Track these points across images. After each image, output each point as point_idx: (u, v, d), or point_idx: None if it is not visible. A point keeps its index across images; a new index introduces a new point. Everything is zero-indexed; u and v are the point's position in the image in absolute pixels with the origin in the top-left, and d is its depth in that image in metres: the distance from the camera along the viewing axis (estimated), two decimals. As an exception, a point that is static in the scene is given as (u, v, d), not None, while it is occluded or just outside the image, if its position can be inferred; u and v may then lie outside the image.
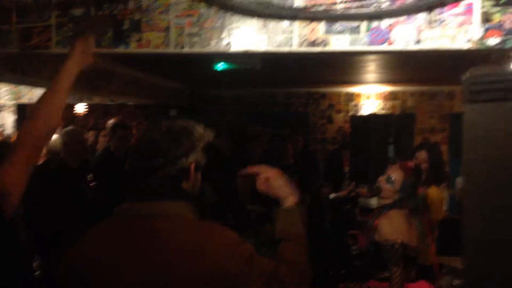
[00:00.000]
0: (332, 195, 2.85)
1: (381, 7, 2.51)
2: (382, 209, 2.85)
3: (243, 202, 4.86)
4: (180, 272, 1.31)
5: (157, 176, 1.46)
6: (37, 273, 3.63)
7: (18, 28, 2.65)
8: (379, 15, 2.52)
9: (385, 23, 2.54)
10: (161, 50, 2.67)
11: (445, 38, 2.53)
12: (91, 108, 8.74)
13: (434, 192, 3.88)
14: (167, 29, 2.66)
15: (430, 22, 2.53)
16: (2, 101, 6.88)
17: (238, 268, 1.34)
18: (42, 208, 3.30)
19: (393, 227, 2.77)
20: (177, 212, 1.42)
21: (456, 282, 2.93)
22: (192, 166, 1.51)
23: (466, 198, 1.26)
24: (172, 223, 1.39)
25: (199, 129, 1.58)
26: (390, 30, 2.54)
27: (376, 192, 2.78)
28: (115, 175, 4.42)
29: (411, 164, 2.99)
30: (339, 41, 2.59)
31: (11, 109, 6.85)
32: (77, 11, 2.65)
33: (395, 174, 2.89)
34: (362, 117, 8.20)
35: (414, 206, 2.87)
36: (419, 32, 2.53)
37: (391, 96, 8.10)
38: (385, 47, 2.56)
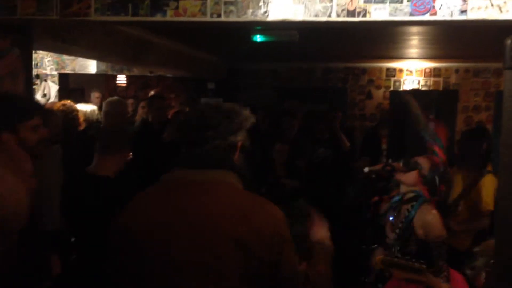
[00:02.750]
0: (366, 169, 2.80)
1: (425, -25, 2.41)
2: (409, 202, 2.79)
3: (278, 176, 4.87)
4: (224, 232, 1.38)
5: (207, 147, 1.53)
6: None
7: (59, -5, 2.69)
8: (422, -17, 2.42)
9: (428, -9, 2.43)
10: (197, 18, 2.66)
11: (492, 8, 2.40)
12: (131, 79, 8.87)
13: (488, 181, 3.69)
14: (204, -3, 2.64)
15: (477, -9, 2.40)
16: (46, 71, 7.07)
17: (274, 233, 1.41)
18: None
19: (439, 223, 2.71)
20: (226, 180, 1.50)
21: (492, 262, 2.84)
22: (239, 144, 1.58)
23: (503, 170, 1.19)
24: (223, 189, 1.47)
25: (246, 111, 1.64)
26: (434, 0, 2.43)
27: (412, 166, 2.71)
28: (152, 145, 4.52)
29: (437, 158, 2.90)
30: (380, 11, 2.51)
31: (54, 78, 7.03)
32: (116, -21, 2.66)
33: (423, 162, 2.83)
34: (402, 92, 7.99)
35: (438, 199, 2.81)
36: (464, 1, 2.41)
37: (434, 72, 7.84)
38: (428, 17, 2.46)
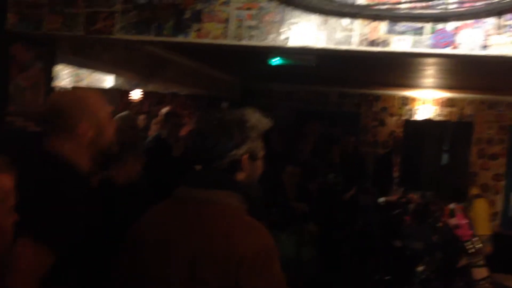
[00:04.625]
0: (382, 199, 2.78)
1: (448, 9, 2.42)
2: None
3: (288, 199, 4.85)
4: (210, 256, 1.40)
5: (209, 167, 1.53)
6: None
7: (85, 12, 2.75)
8: (445, 17, 2.43)
9: (451, 25, 2.45)
10: (219, 41, 2.69)
11: (514, 44, 2.41)
12: (145, 95, 8.94)
13: (479, 205, 3.68)
14: (227, 20, 2.67)
15: (499, 27, 2.41)
16: (63, 83, 7.15)
17: (253, 258, 1.38)
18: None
19: None
20: (225, 201, 1.48)
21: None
22: (245, 157, 1.53)
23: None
24: (216, 210, 1.47)
25: (254, 118, 1.58)
26: (456, 33, 2.44)
27: (429, 199, 2.69)
28: (164, 162, 4.53)
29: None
30: (401, 42, 2.52)
31: (71, 91, 7.11)
32: (142, -1, 2.71)
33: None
34: (416, 122, 7.96)
35: None
36: (487, 37, 2.42)
37: (448, 103, 7.82)
38: (449, 50, 2.47)
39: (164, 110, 6.19)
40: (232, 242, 1.40)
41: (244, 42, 2.68)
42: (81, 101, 1.76)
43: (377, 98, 8.12)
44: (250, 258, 1.38)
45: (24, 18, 2.80)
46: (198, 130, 1.60)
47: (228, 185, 1.51)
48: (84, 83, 7.28)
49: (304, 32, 2.64)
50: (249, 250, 1.39)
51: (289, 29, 2.65)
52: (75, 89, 1.77)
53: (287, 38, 2.66)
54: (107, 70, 5.49)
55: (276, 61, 4.73)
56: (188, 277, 1.41)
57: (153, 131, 6.55)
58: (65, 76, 7.19)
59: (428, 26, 2.46)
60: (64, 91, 1.75)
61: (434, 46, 2.47)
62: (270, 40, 2.67)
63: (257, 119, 1.58)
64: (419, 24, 2.47)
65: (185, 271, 1.42)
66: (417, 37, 2.49)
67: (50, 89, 3.17)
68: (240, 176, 1.55)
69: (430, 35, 2.46)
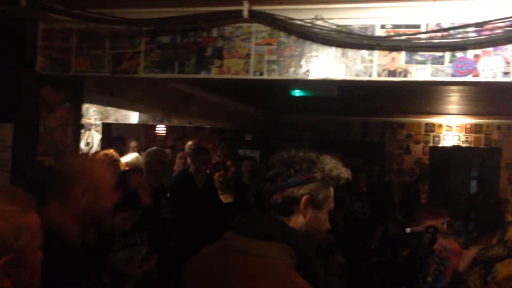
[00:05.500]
0: (408, 229, 2.72)
1: (467, 37, 2.43)
2: None
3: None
4: None
5: (263, 206, 1.39)
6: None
7: (110, 53, 2.85)
8: (464, 46, 2.43)
9: (470, 53, 2.44)
10: (241, 76, 2.75)
11: (536, 70, 2.39)
12: (170, 129, 9.09)
13: None
14: (247, 56, 2.73)
15: (520, 53, 2.40)
16: (91, 121, 7.34)
17: None
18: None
19: None
20: (270, 255, 1.31)
21: None
22: (304, 198, 1.36)
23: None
24: (260, 265, 1.30)
25: (329, 163, 1.42)
26: (476, 61, 2.44)
27: (458, 228, 2.63)
28: (191, 197, 4.57)
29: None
30: (421, 71, 2.53)
31: (98, 128, 7.29)
32: (164, 39, 2.80)
33: None
34: (443, 148, 7.86)
35: None
36: (508, 63, 2.40)
37: (474, 128, 7.72)
38: (470, 78, 2.46)
39: (191, 144, 6.27)
40: None
41: (265, 77, 2.72)
42: (81, 166, 1.73)
43: (401, 125, 8.07)
44: None
45: (53, 61, 2.92)
46: (266, 162, 1.44)
47: (278, 235, 1.33)
48: (111, 119, 7.47)
49: (324, 64, 2.67)
50: None
51: (309, 62, 2.68)
52: (84, 154, 1.72)
53: (307, 71, 2.69)
54: (133, 106, 5.63)
55: (297, 93, 4.77)
56: None
57: (177, 165, 6.63)
58: (92, 114, 7.40)
59: (447, 55, 2.46)
60: (74, 155, 1.69)
61: (454, 74, 2.47)
62: (291, 74, 2.71)
63: (332, 165, 1.41)
64: (438, 53, 2.47)
65: None
66: (437, 66, 2.49)
67: (78, 128, 3.26)
68: (297, 221, 1.38)
69: (450, 64, 2.46)
